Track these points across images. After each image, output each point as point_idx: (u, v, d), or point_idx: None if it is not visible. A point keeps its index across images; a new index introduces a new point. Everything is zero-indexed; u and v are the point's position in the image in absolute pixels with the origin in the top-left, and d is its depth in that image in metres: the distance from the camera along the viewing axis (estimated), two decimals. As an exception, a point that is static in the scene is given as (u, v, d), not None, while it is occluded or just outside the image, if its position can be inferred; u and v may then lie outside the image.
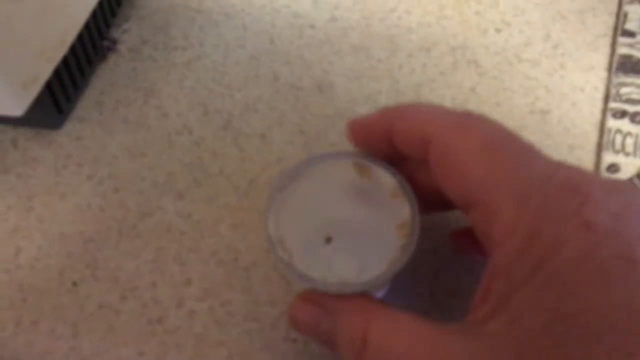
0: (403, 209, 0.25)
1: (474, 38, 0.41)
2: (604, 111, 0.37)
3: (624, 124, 0.36)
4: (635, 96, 0.37)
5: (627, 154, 0.35)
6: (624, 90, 0.38)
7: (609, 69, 0.39)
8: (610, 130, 0.36)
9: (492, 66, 0.40)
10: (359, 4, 0.44)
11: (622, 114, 0.37)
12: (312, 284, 0.24)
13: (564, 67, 0.40)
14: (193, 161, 0.36)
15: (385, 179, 0.26)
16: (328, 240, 0.28)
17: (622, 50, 0.40)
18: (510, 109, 0.38)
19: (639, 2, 0.42)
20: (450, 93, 0.39)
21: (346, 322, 0.23)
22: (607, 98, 0.38)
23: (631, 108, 0.37)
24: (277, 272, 0.32)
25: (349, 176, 0.27)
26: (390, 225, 0.25)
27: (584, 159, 0.35)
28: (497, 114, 0.38)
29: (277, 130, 0.37)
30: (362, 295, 0.23)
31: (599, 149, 0.35)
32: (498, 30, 0.42)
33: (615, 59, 0.39)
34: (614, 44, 0.40)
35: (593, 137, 0.36)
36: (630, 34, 0.40)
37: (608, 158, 0.35)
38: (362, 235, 0.27)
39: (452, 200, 0.23)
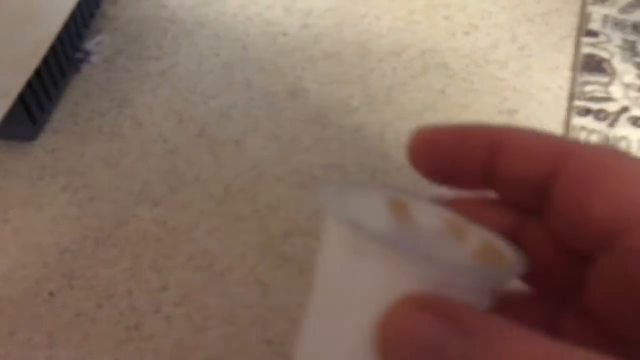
0: (470, 237, 0.18)
1: (443, 41, 0.42)
2: (569, 109, 0.38)
3: (589, 121, 0.37)
4: (598, 94, 0.38)
5: (592, 151, 0.36)
6: (588, 88, 0.39)
7: (574, 69, 0.40)
8: (575, 127, 0.37)
9: (460, 68, 0.41)
10: (330, 11, 0.44)
11: (587, 111, 0.38)
12: (425, 265, 0.14)
13: (530, 68, 0.41)
14: (168, 169, 0.36)
15: (432, 216, 0.18)
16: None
17: (585, 49, 0.41)
18: (479, 110, 0.39)
19: (602, 3, 0.43)
20: (420, 95, 0.40)
21: (499, 352, 0.14)
22: (571, 97, 0.39)
23: (595, 105, 0.38)
24: (253, 276, 0.32)
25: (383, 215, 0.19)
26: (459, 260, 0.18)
27: (551, 156, 0.36)
28: (466, 115, 0.39)
29: (251, 136, 0.38)
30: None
31: (566, 146, 0.36)
32: (466, 34, 0.43)
33: (579, 58, 0.40)
34: (577, 44, 0.41)
35: (559, 135, 0.37)
36: (594, 33, 0.41)
37: (574, 155, 0.36)
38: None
39: (580, 233, 0.16)
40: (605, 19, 0.42)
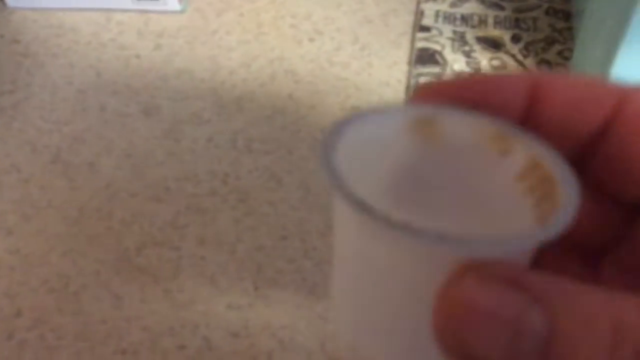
0: (515, 153, 0.15)
1: (290, 49, 0.45)
2: (406, 100, 0.41)
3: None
4: (431, 83, 0.42)
5: (426, 135, 0.38)
6: (422, 79, 0.42)
7: (410, 63, 0.43)
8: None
9: (307, 73, 0.43)
10: (182, 30, 0.46)
11: (421, 100, 0.41)
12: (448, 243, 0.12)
13: (371, 66, 0.43)
14: (22, 198, 0.37)
15: (466, 128, 0.15)
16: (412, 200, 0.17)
17: (419, 44, 0.44)
18: (324, 109, 0.41)
19: (434, 0, 0.47)
20: (269, 101, 0.42)
21: (585, 320, 0.12)
22: (408, 88, 0.42)
23: (428, 94, 0.41)
24: (107, 291, 0.33)
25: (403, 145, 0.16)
26: (500, 182, 0.16)
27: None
28: (312, 115, 0.41)
29: (105, 157, 0.39)
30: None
31: (403, 134, 0.39)
32: (312, 40, 0.45)
33: (414, 52, 0.43)
34: (413, 40, 0.44)
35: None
36: (426, 28, 0.45)
37: (410, 141, 0.38)
38: (471, 198, 0.16)
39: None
40: (437, 14, 0.46)
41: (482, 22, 0.45)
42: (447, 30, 0.45)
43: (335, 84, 0.42)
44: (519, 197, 0.14)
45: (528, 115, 0.15)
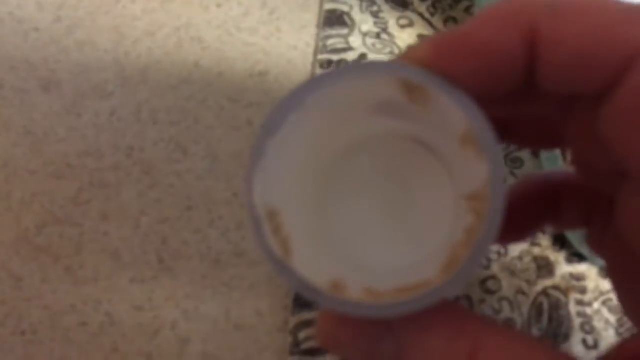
0: (478, 168, 0.14)
1: (197, 16, 0.43)
2: (314, 63, 0.41)
3: (331, 72, 0.40)
4: (339, 46, 0.41)
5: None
6: (330, 42, 0.41)
7: (318, 25, 0.43)
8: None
9: (214, 39, 0.42)
10: (83, 2, 0.44)
11: (329, 63, 0.40)
12: (328, 302, 0.14)
13: (280, 30, 0.43)
14: None
15: (453, 112, 0.14)
16: (350, 208, 0.17)
17: (327, 6, 0.43)
18: (232, 76, 0.40)
19: (343, -39, 0.46)
20: (175, 71, 0.41)
21: (432, 349, 0.14)
22: (316, 52, 0.41)
23: (336, 57, 0.41)
24: (6, 272, 0.32)
25: (391, 98, 0.15)
26: (455, 185, 0.16)
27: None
28: (219, 82, 0.40)
29: (3, 135, 0.37)
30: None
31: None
32: (219, 6, 0.44)
33: (323, 14, 0.43)
34: (321, 2, 0.44)
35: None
36: (335, -10, 0.44)
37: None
38: (407, 189, 0.16)
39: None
40: (346, -25, 0.45)
41: (391, -19, 0.44)
42: (356, -9, 0.44)
43: (243, 50, 0.42)
44: (462, 212, 0.14)
45: (527, 75, 0.14)
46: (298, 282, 0.14)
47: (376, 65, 0.14)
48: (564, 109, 0.15)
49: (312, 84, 0.14)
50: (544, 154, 0.34)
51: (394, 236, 0.16)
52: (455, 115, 0.14)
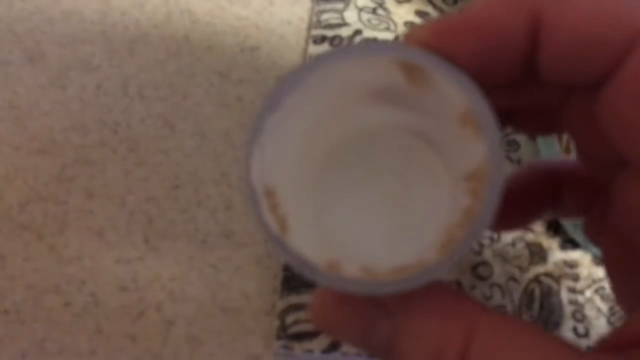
0: (476, 148, 0.14)
1: (187, -13, 0.42)
2: (307, 39, 0.39)
3: (324, 49, 0.39)
4: (333, 21, 0.40)
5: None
6: (324, 16, 0.40)
7: (313, -1, 0.41)
8: (311, 56, 0.38)
9: (204, 12, 0.41)
10: (70, -31, 0.43)
11: (322, 39, 0.39)
12: (324, 279, 0.14)
13: (273, 4, 0.41)
14: None
15: (453, 93, 0.14)
16: (346, 200, 0.17)
17: (323, -21, 0.42)
18: (222, 51, 0.39)
19: None
20: (164, 44, 0.39)
21: (427, 329, 0.14)
22: (310, 27, 0.40)
23: (330, 32, 0.39)
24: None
25: (390, 82, 0.15)
26: (453, 172, 0.16)
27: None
28: (209, 57, 0.39)
29: (-15, 109, 0.36)
30: (434, 284, 0.14)
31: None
32: (210, -24, 0.43)
33: (317, -12, 0.41)
34: (317, -25, 0.42)
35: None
36: (331, -38, 0.43)
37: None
38: (404, 184, 0.17)
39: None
40: (343, -53, 0.43)
41: (389, -46, 0.43)
42: (353, -37, 0.43)
43: (234, 23, 0.40)
44: (460, 194, 0.15)
45: (529, 60, 0.14)
46: (296, 258, 0.14)
47: (376, 46, 0.14)
48: (563, 97, 0.15)
49: (313, 63, 0.14)
50: (541, 138, 0.33)
51: (389, 230, 0.16)
52: (454, 95, 0.14)
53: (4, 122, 0.36)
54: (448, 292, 0.14)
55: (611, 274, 0.17)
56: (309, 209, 0.16)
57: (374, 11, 0.40)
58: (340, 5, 0.41)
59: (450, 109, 0.14)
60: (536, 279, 0.31)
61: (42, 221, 0.33)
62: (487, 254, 0.31)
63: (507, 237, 0.32)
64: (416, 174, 0.16)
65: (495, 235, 0.32)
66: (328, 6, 0.41)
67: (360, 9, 0.40)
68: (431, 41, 0.14)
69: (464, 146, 0.14)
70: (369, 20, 0.40)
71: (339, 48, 0.15)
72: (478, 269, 0.31)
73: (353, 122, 0.16)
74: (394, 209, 0.16)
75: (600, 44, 0.12)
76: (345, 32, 0.39)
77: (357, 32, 0.39)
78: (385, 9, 0.40)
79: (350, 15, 0.40)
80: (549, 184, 0.19)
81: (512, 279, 0.31)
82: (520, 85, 0.15)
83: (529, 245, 0.32)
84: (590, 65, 0.13)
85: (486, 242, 0.32)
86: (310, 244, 0.14)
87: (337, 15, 0.40)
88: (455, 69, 0.14)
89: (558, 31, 0.13)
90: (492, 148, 0.13)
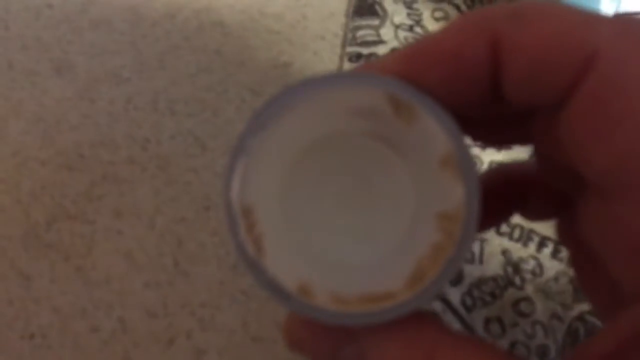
0: (454, 191, 0.15)
1: (218, -2, 0.41)
2: (342, 56, 0.38)
3: (360, 66, 0.38)
4: (369, 38, 0.39)
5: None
6: (360, 33, 0.39)
7: (347, 14, 0.40)
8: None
9: (236, 25, 0.40)
10: (99, -24, 0.42)
11: (358, 56, 0.38)
12: (295, 307, 0.14)
13: (306, 18, 0.40)
14: None
15: (438, 133, 0.15)
16: (313, 203, 0.17)
17: (358, -6, 0.41)
18: (255, 67, 0.38)
19: (375, -55, 0.43)
20: (194, 58, 0.38)
21: (391, 354, 0.14)
22: (344, 43, 0.39)
23: (365, 50, 0.38)
24: (14, 270, 0.31)
25: (377, 113, 0.16)
26: (422, 201, 0.16)
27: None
28: (241, 73, 0.38)
29: (12, 121, 0.35)
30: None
31: (338, 93, 0.37)
32: (242, -12, 0.42)
33: (352, 3, 0.40)
34: (351, -11, 0.41)
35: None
36: (366, -23, 0.41)
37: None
38: (367, 200, 0.17)
39: (592, 170, 0.13)
40: (379, -40, 0.42)
41: (426, -31, 0.42)
42: (389, -22, 0.41)
43: (266, 37, 0.39)
44: (431, 230, 0.15)
45: (494, 83, 0.14)
46: (267, 284, 0.14)
47: (368, 77, 0.15)
48: (528, 115, 0.15)
49: (301, 88, 0.15)
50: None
51: (353, 231, 0.16)
52: (439, 137, 0.14)
53: (31, 136, 0.35)
54: (413, 317, 0.14)
55: (578, 273, 0.18)
56: (282, 218, 0.16)
57: (411, 29, 0.39)
58: (376, 22, 0.40)
59: (432, 149, 0.15)
60: (580, 318, 0.30)
61: (70, 241, 0.32)
62: (529, 289, 0.30)
63: (550, 271, 0.31)
64: (383, 179, 0.16)
65: (537, 269, 0.31)
66: (363, 22, 0.40)
67: (397, 26, 0.39)
68: (399, 70, 0.14)
69: (439, 183, 0.15)
70: (405, 39, 0.39)
71: (328, 73, 0.15)
72: (520, 305, 0.30)
73: (328, 129, 0.16)
74: (357, 213, 0.16)
75: (557, 66, 0.12)
76: (381, 49, 0.38)
77: (394, 50, 0.38)
78: (422, 26, 0.39)
79: (387, 32, 0.39)
80: (515, 185, 0.19)
81: (556, 316, 0.30)
82: (490, 104, 0.15)
83: (572, 280, 0.31)
84: (548, 87, 0.13)
85: (528, 276, 0.31)
86: (284, 263, 0.15)
87: (373, 32, 0.39)
88: (442, 111, 0.14)
89: (515, 55, 0.13)
90: (469, 194, 0.14)
